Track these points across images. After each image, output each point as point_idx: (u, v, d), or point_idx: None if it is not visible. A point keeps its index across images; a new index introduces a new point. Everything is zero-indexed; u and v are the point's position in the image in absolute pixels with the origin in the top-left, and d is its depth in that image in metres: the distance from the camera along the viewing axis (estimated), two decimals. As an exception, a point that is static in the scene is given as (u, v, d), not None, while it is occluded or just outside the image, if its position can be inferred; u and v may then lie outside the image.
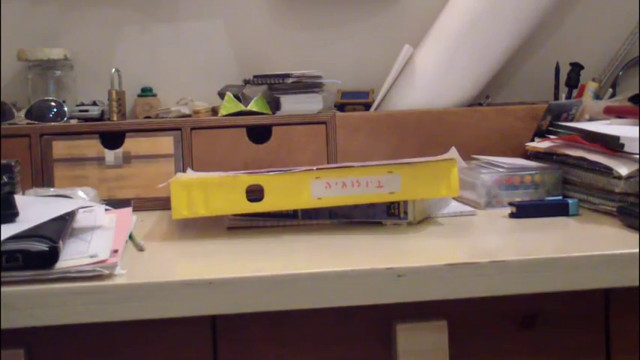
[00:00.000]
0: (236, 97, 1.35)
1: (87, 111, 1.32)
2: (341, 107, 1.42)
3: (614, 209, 1.03)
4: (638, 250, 0.85)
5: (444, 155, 1.04)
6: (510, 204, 1.10)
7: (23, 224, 0.83)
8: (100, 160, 1.27)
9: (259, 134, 1.31)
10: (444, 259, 0.83)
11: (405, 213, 1.04)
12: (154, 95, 1.44)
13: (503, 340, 0.88)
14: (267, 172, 1.00)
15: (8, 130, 1.26)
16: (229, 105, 1.33)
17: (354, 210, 1.05)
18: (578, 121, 1.28)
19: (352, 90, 1.46)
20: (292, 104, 1.33)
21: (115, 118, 1.31)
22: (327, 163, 1.30)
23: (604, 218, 1.06)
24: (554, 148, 1.20)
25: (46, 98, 1.33)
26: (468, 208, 1.13)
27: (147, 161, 1.27)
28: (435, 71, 1.38)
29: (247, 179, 1.00)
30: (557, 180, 1.18)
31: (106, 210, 1.05)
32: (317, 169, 1.00)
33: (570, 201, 1.09)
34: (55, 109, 1.31)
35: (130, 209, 1.09)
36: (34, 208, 0.92)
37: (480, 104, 1.42)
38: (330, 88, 1.42)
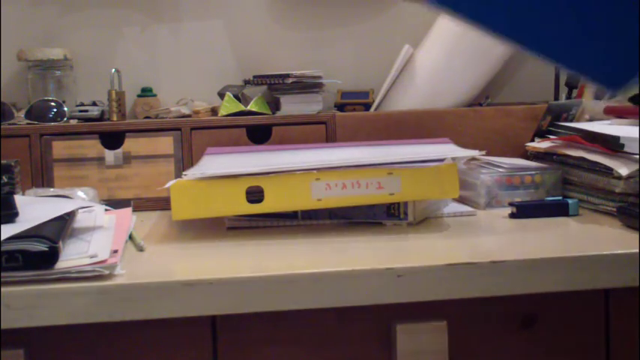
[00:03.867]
0: (236, 97, 1.35)
1: (87, 111, 1.32)
2: (341, 107, 1.42)
3: (614, 209, 1.03)
4: (638, 250, 0.85)
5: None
6: (510, 204, 1.10)
7: (23, 224, 0.83)
8: (100, 160, 1.27)
9: (259, 134, 1.31)
10: (443, 260, 0.83)
11: (405, 213, 1.04)
12: (154, 95, 1.44)
13: (503, 341, 0.88)
14: (267, 173, 1.00)
15: (8, 130, 1.26)
16: (229, 105, 1.33)
17: (354, 210, 1.05)
18: (578, 121, 1.28)
19: (352, 90, 1.46)
20: (292, 104, 1.33)
21: (114, 118, 1.31)
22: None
23: (604, 218, 1.06)
24: (554, 148, 1.20)
25: (46, 98, 1.33)
26: (467, 208, 1.13)
27: (147, 161, 1.27)
28: (434, 71, 1.38)
29: (247, 180, 1.00)
30: (557, 180, 1.18)
31: (106, 210, 1.05)
32: (317, 170, 1.00)
33: (570, 201, 1.09)
34: (54, 109, 1.31)
35: (129, 209, 1.09)
36: (34, 208, 0.92)
37: (480, 104, 1.42)
38: (330, 88, 1.42)
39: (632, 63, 0.65)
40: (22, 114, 1.31)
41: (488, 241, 0.98)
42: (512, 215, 1.08)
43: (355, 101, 1.43)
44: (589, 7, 0.63)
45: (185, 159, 1.28)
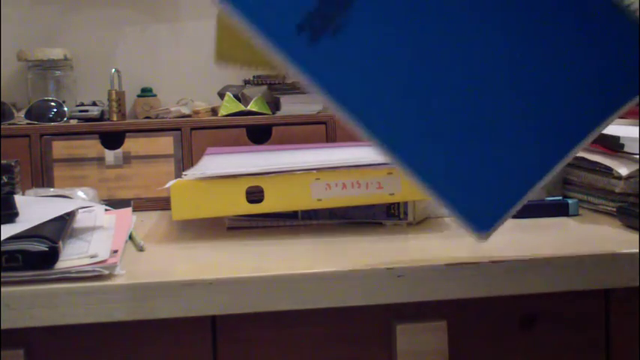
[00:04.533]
0: (236, 97, 1.35)
1: (87, 111, 1.32)
2: (341, 107, 1.42)
3: (614, 209, 1.03)
4: (638, 250, 0.85)
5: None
6: (510, 204, 1.10)
7: (23, 224, 0.83)
8: (100, 160, 1.27)
9: (259, 134, 1.31)
10: (444, 259, 0.83)
11: (405, 213, 1.04)
12: (154, 95, 1.44)
13: (503, 341, 0.88)
14: (267, 173, 1.00)
15: (8, 130, 1.26)
16: (229, 105, 1.33)
17: (354, 210, 1.05)
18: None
19: (352, 90, 1.46)
20: (292, 104, 1.33)
21: (114, 118, 1.31)
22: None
23: (604, 218, 1.06)
24: (554, 148, 1.20)
25: (46, 98, 1.33)
26: (467, 208, 1.13)
27: (147, 161, 1.28)
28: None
29: (247, 180, 1.00)
30: (557, 180, 1.18)
31: (106, 210, 1.05)
32: (317, 170, 1.00)
33: (570, 201, 1.09)
34: (54, 109, 1.31)
35: (129, 209, 1.09)
36: (34, 208, 0.92)
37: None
38: (330, 88, 1.42)
39: (501, 205, 0.68)
40: (22, 114, 1.31)
41: (488, 241, 0.98)
42: (513, 215, 1.08)
43: (355, 101, 1.42)
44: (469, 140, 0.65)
45: (185, 159, 1.28)
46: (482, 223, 0.71)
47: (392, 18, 0.65)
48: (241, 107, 1.33)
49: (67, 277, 0.78)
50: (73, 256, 0.81)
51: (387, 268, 0.81)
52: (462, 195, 0.69)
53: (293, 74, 0.67)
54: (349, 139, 1.31)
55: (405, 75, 0.66)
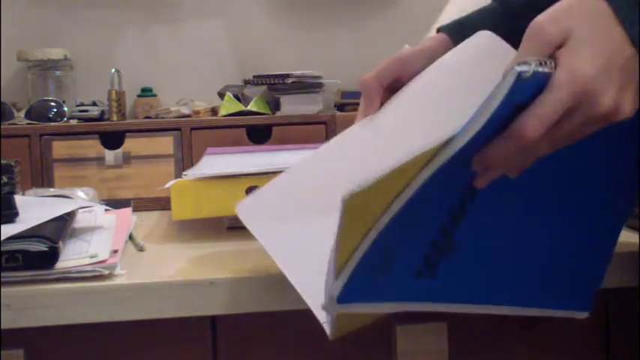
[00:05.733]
0: (236, 97, 1.35)
1: (87, 111, 1.32)
2: (341, 107, 1.42)
3: (614, 209, 1.03)
4: (638, 250, 0.85)
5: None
6: (510, 204, 1.10)
7: (23, 224, 0.83)
8: (100, 160, 1.27)
9: (259, 134, 1.31)
10: (444, 260, 0.83)
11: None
12: (154, 95, 1.44)
13: (503, 341, 0.88)
14: (267, 173, 1.00)
15: (8, 130, 1.26)
16: (229, 105, 1.33)
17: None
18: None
19: (352, 90, 1.46)
20: (292, 104, 1.33)
21: (114, 118, 1.31)
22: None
23: (604, 218, 1.05)
24: (554, 148, 1.20)
25: (46, 98, 1.33)
26: (467, 208, 1.13)
27: (147, 161, 1.28)
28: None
29: (247, 180, 1.00)
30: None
31: (106, 210, 1.05)
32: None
33: (570, 201, 1.09)
34: (54, 109, 1.31)
35: (129, 209, 1.09)
36: (34, 208, 0.92)
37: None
38: (330, 88, 1.42)
39: (590, 284, 0.74)
40: (22, 114, 1.32)
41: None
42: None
43: (355, 101, 1.42)
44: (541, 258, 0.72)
45: (185, 159, 1.28)
46: (584, 306, 0.79)
47: (495, 216, 0.70)
48: (241, 107, 1.33)
49: (67, 277, 0.78)
50: (73, 256, 0.81)
51: (387, 268, 0.81)
52: (560, 299, 0.79)
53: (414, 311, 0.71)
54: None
55: (507, 250, 0.73)
